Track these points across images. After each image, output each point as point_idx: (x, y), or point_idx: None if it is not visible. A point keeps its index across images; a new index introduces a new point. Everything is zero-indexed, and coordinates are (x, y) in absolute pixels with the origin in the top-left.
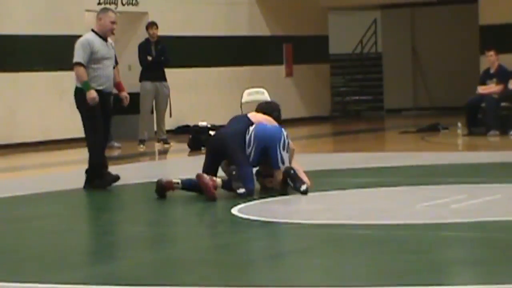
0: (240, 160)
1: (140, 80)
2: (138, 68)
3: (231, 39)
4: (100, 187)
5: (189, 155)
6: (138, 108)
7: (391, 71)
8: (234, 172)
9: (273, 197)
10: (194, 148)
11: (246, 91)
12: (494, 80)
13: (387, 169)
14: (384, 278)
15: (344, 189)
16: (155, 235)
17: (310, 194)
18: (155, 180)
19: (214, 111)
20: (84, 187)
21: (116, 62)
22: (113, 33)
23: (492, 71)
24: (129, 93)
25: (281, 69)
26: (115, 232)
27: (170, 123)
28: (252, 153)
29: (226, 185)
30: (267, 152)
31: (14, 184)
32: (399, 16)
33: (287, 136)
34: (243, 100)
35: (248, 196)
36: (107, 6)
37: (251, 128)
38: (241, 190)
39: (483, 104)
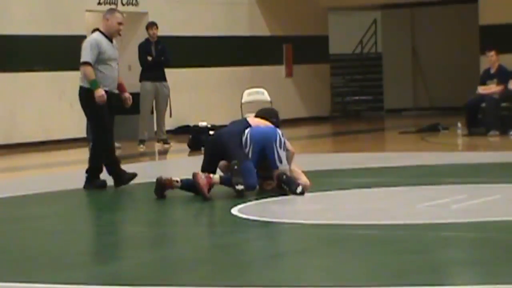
0: (240, 155)
1: (140, 80)
2: (138, 68)
3: (231, 39)
4: (101, 187)
5: (189, 155)
6: (138, 108)
7: (391, 71)
8: (236, 167)
9: (273, 197)
10: (194, 148)
11: (246, 91)
12: (495, 80)
13: (387, 169)
14: (384, 278)
15: (344, 189)
16: (155, 235)
17: (310, 194)
18: (155, 180)
19: (214, 111)
20: (84, 187)
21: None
22: (119, 34)
23: (492, 71)
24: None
25: (281, 69)
26: (115, 232)
27: (170, 123)
28: (250, 155)
29: (226, 181)
30: (265, 153)
31: (14, 184)
32: (399, 16)
33: (282, 135)
34: (243, 100)
35: (250, 191)
36: (113, 6)
37: (247, 130)
38: (240, 187)
39: (483, 104)
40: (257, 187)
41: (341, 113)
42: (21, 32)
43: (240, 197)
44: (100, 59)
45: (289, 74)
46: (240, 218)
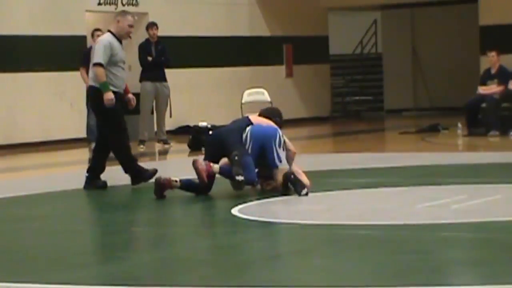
0: (241, 149)
1: (140, 81)
2: (138, 69)
3: (231, 40)
4: (101, 188)
5: (189, 155)
6: (138, 109)
7: (391, 72)
8: (236, 158)
9: (273, 198)
10: (194, 148)
11: (246, 92)
12: (495, 80)
13: (387, 169)
14: (384, 278)
15: (344, 189)
16: (155, 236)
17: (310, 195)
18: (154, 180)
19: (214, 111)
20: (85, 187)
21: None
22: (130, 37)
23: (493, 71)
24: None
25: (281, 69)
26: (115, 233)
27: (170, 124)
28: (249, 152)
29: (226, 171)
30: (264, 152)
31: (14, 184)
32: (399, 17)
33: (282, 135)
34: (243, 101)
35: (249, 185)
36: (125, 9)
37: (248, 128)
38: (240, 178)
39: (483, 105)
40: (259, 186)
41: (341, 114)
42: (21, 32)
43: (238, 189)
44: (112, 61)
45: (289, 74)
46: (240, 218)
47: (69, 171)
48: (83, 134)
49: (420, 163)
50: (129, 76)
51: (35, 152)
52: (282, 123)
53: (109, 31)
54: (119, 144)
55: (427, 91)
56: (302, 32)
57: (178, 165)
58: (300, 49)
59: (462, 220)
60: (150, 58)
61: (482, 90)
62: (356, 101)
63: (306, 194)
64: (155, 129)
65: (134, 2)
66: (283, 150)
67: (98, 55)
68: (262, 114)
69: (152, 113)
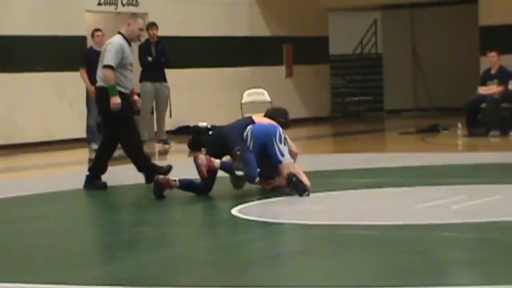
0: (242, 145)
1: (140, 81)
2: (138, 69)
3: (231, 40)
4: (101, 189)
5: (189, 155)
6: (138, 109)
7: (391, 72)
8: (238, 152)
9: (273, 198)
10: (194, 148)
11: (246, 92)
12: (495, 81)
13: (387, 169)
14: (384, 278)
15: (344, 189)
16: (155, 236)
17: (310, 195)
18: (153, 180)
19: (214, 111)
20: (85, 187)
21: None
22: (139, 40)
23: (493, 72)
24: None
25: (281, 69)
26: (115, 233)
27: (170, 124)
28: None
29: (226, 167)
30: (266, 149)
31: (14, 184)
32: (399, 17)
33: (282, 132)
34: (243, 101)
35: (250, 181)
36: (136, 13)
37: (249, 127)
38: (239, 173)
39: (483, 105)
40: (261, 186)
41: (341, 114)
42: (21, 33)
43: (238, 187)
44: (122, 64)
45: (289, 74)
46: (240, 218)
47: (69, 171)
48: (83, 134)
49: (420, 163)
50: None
51: (35, 152)
52: (288, 122)
53: (119, 33)
54: (131, 144)
55: (427, 91)
56: (302, 32)
57: (178, 165)
58: (300, 49)
59: (462, 220)
60: (150, 58)
61: (482, 90)
62: (356, 102)
63: (307, 194)
64: (155, 129)
65: (134, 2)
66: (285, 145)
67: (109, 57)
68: (267, 114)
69: (152, 113)
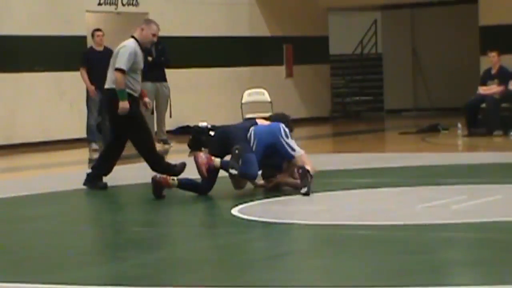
0: (245, 146)
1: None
2: None
3: (231, 40)
4: (101, 189)
5: (189, 155)
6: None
7: (391, 72)
8: (236, 151)
9: (273, 198)
10: (194, 148)
11: (246, 92)
12: (495, 81)
13: (387, 169)
14: (384, 278)
15: (344, 189)
16: (155, 236)
17: (310, 195)
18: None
19: (214, 111)
20: (85, 184)
21: None
22: (152, 45)
23: (493, 72)
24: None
25: (281, 69)
26: (115, 233)
27: (170, 124)
28: (254, 151)
29: (225, 165)
30: (276, 150)
31: (14, 184)
32: (399, 17)
33: (285, 126)
34: (243, 101)
35: (250, 180)
36: (151, 18)
37: (251, 128)
38: (233, 171)
39: (483, 105)
40: (262, 186)
41: (341, 114)
42: (21, 32)
43: (238, 184)
44: (133, 68)
45: (289, 74)
46: (240, 218)
47: (69, 171)
48: (83, 134)
49: (420, 163)
50: None
51: (35, 152)
52: (291, 127)
53: (132, 37)
54: (143, 145)
55: (427, 91)
56: (302, 32)
57: None
58: (300, 49)
59: (462, 220)
60: (150, 58)
61: (482, 90)
62: (356, 102)
63: (307, 193)
64: (155, 129)
65: (134, 2)
66: (291, 138)
67: (122, 61)
68: (270, 120)
69: (152, 113)
